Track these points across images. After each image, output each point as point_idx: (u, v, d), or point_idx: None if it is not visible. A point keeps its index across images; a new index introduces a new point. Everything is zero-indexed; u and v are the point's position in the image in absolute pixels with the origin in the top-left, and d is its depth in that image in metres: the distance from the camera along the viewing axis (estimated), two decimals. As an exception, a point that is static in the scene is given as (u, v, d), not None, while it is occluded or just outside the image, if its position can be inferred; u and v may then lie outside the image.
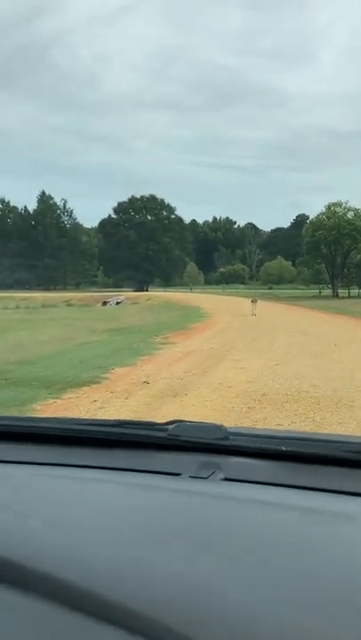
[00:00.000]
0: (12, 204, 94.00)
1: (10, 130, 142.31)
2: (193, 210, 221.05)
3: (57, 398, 7.13)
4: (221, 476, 1.04)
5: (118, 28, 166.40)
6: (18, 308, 38.34)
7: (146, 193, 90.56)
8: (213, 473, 1.05)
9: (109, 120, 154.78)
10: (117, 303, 48.20)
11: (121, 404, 6.63)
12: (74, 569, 0.68)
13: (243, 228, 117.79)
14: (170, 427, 1.22)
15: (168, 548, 0.76)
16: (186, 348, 12.41)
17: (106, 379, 8.52)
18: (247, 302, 26.11)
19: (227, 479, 1.04)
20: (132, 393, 7.34)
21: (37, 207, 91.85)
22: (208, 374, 8.72)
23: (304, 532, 0.84)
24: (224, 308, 28.80)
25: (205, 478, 1.04)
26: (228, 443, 1.15)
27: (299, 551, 0.77)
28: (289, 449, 1.11)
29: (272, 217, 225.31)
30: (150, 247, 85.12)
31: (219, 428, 1.21)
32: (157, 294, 56.67)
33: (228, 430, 1.19)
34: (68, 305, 45.39)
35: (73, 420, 1.56)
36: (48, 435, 1.30)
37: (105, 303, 48.99)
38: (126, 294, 57.27)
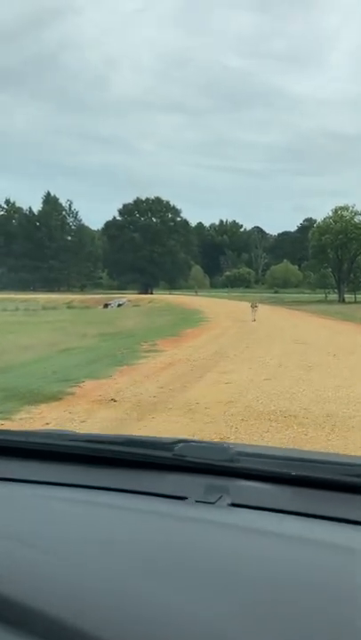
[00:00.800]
0: (17, 204, 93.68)
1: (17, 131, 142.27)
2: (200, 213, 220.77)
3: (6, 419, 6.16)
4: (229, 500, 1.02)
5: (127, 30, 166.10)
6: (17, 309, 37.66)
7: (151, 195, 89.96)
8: (221, 497, 1.02)
9: (117, 122, 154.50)
10: (119, 305, 48.12)
11: (74, 427, 5.64)
12: (64, 603, 0.66)
13: (249, 231, 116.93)
14: (176, 446, 1.19)
15: (171, 583, 0.74)
16: (172, 357, 11.43)
17: (70, 394, 7.54)
18: (258, 308, 25.19)
19: (234, 504, 1.01)
20: (92, 414, 6.36)
21: (42, 208, 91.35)
22: (186, 391, 7.71)
23: (312, 565, 0.81)
24: (225, 313, 27.85)
25: (213, 503, 1.01)
26: (234, 465, 1.13)
27: (310, 587, 0.73)
28: (297, 473, 1.08)
29: (279, 221, 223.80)
30: (155, 250, 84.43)
31: (225, 448, 1.19)
32: (160, 297, 55.99)
33: (235, 449, 1.17)
34: (69, 307, 44.89)
35: (75, 435, 1.47)
36: (44, 451, 1.26)
37: (106, 305, 48.73)
38: (129, 297, 56.78)
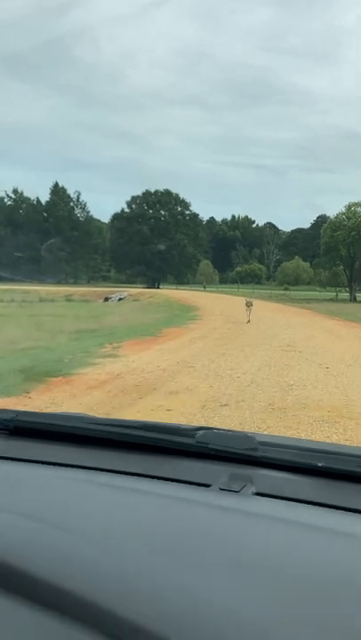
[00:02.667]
0: (25, 195, 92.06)
1: (32, 124, 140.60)
2: (212, 209, 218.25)
3: None
4: (253, 489, 1.02)
5: (144, 24, 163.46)
6: (12, 301, 36.03)
7: (162, 188, 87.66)
8: (245, 486, 1.02)
9: (132, 116, 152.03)
10: (119, 299, 46.94)
11: None
12: (94, 581, 0.67)
13: (262, 227, 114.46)
14: (197, 433, 1.18)
15: (197, 568, 0.74)
16: (127, 365, 9.32)
17: None
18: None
19: (259, 494, 1.01)
20: None
21: (50, 199, 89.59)
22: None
23: (339, 556, 0.81)
24: (222, 311, 25.64)
25: (237, 492, 1.00)
26: (258, 454, 1.13)
27: (333, 577, 0.74)
28: (324, 464, 1.07)
29: (292, 217, 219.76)
30: (163, 243, 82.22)
31: (248, 437, 1.17)
32: (163, 292, 54.01)
33: (258, 440, 1.16)
34: (68, 300, 43.14)
35: (93, 418, 1.45)
36: (69, 433, 1.26)
37: (107, 299, 47.33)
38: (133, 291, 54.93)
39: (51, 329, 16.68)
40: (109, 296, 48.78)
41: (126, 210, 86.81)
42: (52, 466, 1.15)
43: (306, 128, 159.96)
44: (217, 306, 30.41)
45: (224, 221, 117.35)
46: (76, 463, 1.15)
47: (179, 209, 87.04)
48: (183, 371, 8.74)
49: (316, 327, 18.59)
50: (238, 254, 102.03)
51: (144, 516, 0.92)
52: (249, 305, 20.15)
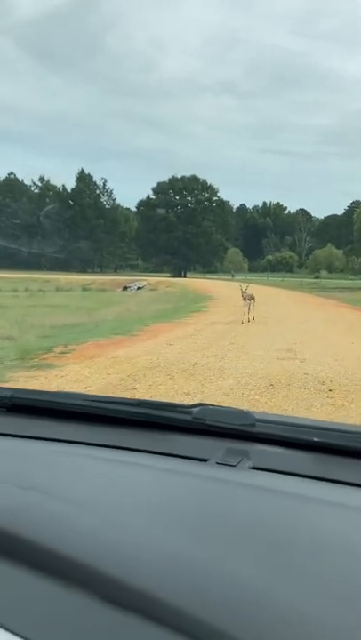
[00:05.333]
0: (51, 182, 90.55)
1: (62, 113, 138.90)
2: (243, 195, 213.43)
3: None
4: (250, 464, 1.03)
5: (175, 11, 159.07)
6: (26, 290, 34.83)
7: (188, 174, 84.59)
8: (241, 460, 1.03)
9: (163, 105, 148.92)
10: (138, 289, 45.74)
11: None
12: (95, 551, 0.69)
13: (294, 214, 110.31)
14: (194, 409, 1.19)
15: (197, 539, 0.76)
16: (48, 382, 6.81)
17: None
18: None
19: (255, 468, 1.02)
20: None
21: (76, 186, 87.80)
22: None
23: (335, 527, 0.83)
24: (236, 302, 22.95)
25: (234, 466, 1.02)
26: (255, 429, 1.13)
27: (329, 546, 0.77)
28: (321, 440, 1.08)
29: (325, 204, 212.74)
30: (189, 230, 79.54)
31: (245, 413, 1.17)
32: (184, 281, 51.57)
33: (254, 415, 1.15)
34: (85, 289, 41.51)
35: (90, 396, 1.46)
36: (66, 410, 1.27)
37: (125, 288, 46.18)
38: (152, 279, 52.92)
39: (29, 323, 14.68)
40: (128, 285, 47.49)
41: (152, 197, 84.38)
42: (51, 442, 1.14)
43: (339, 114, 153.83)
44: (235, 296, 27.71)
45: (255, 208, 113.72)
46: (74, 439, 1.15)
47: (206, 195, 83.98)
48: (118, 395, 6.15)
49: (337, 323, 15.66)
50: (269, 242, 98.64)
51: (143, 488, 0.94)
52: (247, 298, 15.07)
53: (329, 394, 6.40)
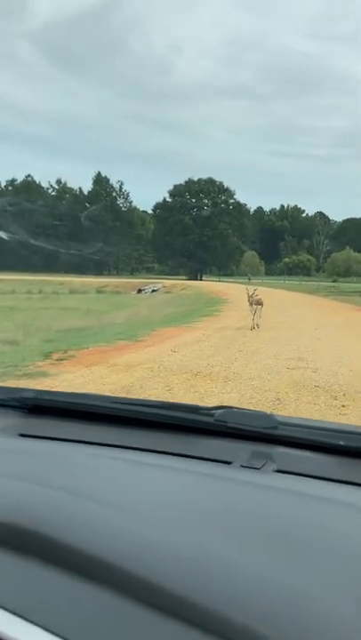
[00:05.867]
0: (68, 185, 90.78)
1: (81, 116, 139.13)
2: (260, 198, 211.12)
3: None
4: (274, 467, 1.03)
5: (194, 14, 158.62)
6: (40, 292, 34.95)
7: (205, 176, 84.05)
8: (265, 463, 1.03)
9: (180, 107, 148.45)
10: (153, 291, 45.63)
11: None
12: (126, 551, 0.70)
13: (311, 217, 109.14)
14: (216, 412, 1.18)
15: (227, 538, 0.77)
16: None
17: None
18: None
19: (279, 471, 1.02)
20: None
21: (92, 188, 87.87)
22: None
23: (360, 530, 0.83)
24: (247, 309, 22.40)
25: (258, 469, 1.01)
26: (278, 432, 1.12)
27: (356, 550, 0.77)
28: (346, 443, 1.07)
29: (343, 207, 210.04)
30: (205, 233, 79.00)
31: (268, 416, 1.17)
32: (199, 284, 51.08)
33: (277, 418, 1.15)
34: (99, 292, 41.42)
35: (112, 397, 1.46)
36: (88, 412, 1.28)
37: (140, 291, 46.21)
38: (167, 282, 52.61)
39: (36, 326, 14.31)
40: (143, 288, 47.48)
41: (168, 199, 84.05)
42: (75, 443, 1.14)
43: (355, 116, 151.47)
44: (244, 303, 27.12)
45: (272, 211, 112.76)
46: (97, 440, 1.14)
47: (222, 197, 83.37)
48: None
49: (354, 329, 14.99)
50: (287, 245, 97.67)
51: (169, 490, 0.94)
52: (257, 304, 13.84)
53: (342, 410, 5.83)
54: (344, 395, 6.46)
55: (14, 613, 0.60)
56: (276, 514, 0.85)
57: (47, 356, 9.01)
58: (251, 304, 14.20)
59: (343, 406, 5.94)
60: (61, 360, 8.64)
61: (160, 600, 0.61)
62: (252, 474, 0.99)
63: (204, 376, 7.37)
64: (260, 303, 14.14)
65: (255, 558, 0.70)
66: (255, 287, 15.75)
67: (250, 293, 14.40)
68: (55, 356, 8.95)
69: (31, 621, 0.59)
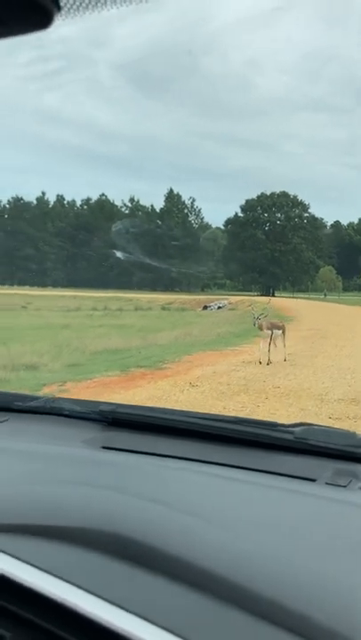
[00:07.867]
0: (141, 203, 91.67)
1: (156, 135, 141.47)
2: (338, 212, 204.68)
3: None
4: (360, 485, 1.01)
5: (270, 30, 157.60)
6: (105, 309, 35.41)
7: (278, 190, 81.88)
8: (351, 481, 1.02)
9: (260, 124, 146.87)
10: (219, 308, 43.63)
11: None
12: (226, 563, 0.72)
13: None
14: (296, 429, 1.18)
15: (318, 553, 0.78)
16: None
17: None
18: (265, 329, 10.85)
19: None
20: None
21: (164, 206, 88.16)
22: None
23: None
24: (312, 327, 20.27)
25: (344, 487, 1.00)
26: None
27: None
28: None
29: None
30: (278, 248, 76.66)
31: (351, 434, 1.17)
32: (268, 301, 48.83)
33: (359, 436, 1.15)
34: (163, 308, 40.82)
35: (188, 412, 1.46)
36: (166, 426, 1.28)
37: (206, 307, 44.68)
38: (234, 299, 51.05)
39: (73, 346, 13.35)
40: (209, 304, 46.50)
41: (240, 214, 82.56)
42: (154, 456, 1.15)
43: None
44: (315, 320, 24.87)
45: (350, 225, 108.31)
46: (177, 454, 1.15)
47: (296, 211, 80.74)
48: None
49: None
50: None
51: (257, 505, 0.94)
52: (268, 327, 10.66)
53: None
54: None
55: (135, 614, 0.62)
56: None
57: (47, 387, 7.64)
58: (261, 328, 10.88)
59: None
60: (60, 393, 7.22)
61: (258, 606, 0.63)
62: (339, 491, 0.97)
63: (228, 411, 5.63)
64: (279, 327, 11.25)
65: (346, 570, 0.71)
66: (265, 307, 13.12)
67: (255, 317, 11.39)
68: (47, 389, 7.54)
69: (147, 620, 0.62)
